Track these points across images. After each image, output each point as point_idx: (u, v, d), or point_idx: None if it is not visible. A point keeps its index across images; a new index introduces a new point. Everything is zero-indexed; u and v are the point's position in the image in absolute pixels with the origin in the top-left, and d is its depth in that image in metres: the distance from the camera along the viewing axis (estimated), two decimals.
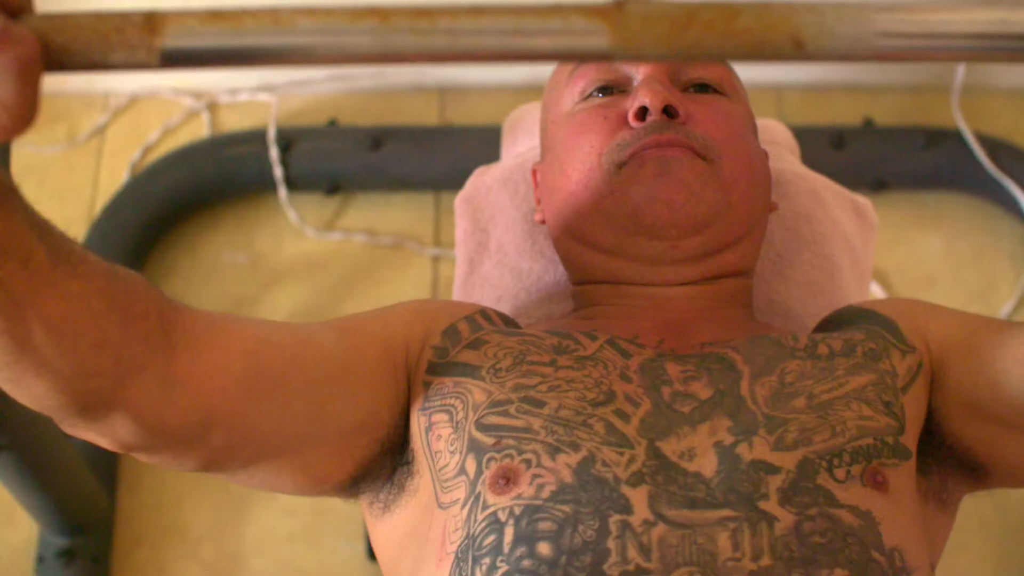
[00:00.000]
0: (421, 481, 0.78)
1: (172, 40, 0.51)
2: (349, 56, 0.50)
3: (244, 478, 0.75)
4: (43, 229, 0.57)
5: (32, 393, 0.61)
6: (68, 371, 0.60)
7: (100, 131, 1.84)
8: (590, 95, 0.89)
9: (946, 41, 0.52)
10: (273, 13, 0.51)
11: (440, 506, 0.75)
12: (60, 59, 0.51)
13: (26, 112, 0.50)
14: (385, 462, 0.79)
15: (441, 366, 0.79)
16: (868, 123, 1.81)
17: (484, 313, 0.85)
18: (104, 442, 0.67)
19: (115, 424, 0.65)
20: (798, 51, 0.51)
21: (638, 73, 0.88)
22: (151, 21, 0.51)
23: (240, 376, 0.69)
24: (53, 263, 0.57)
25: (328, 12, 0.51)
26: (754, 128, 0.93)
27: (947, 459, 0.80)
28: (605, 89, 0.89)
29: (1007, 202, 1.74)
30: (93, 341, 0.60)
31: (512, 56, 0.51)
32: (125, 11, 0.51)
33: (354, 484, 0.79)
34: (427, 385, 0.79)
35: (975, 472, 0.80)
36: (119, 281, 0.62)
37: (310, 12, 0.51)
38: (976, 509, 1.57)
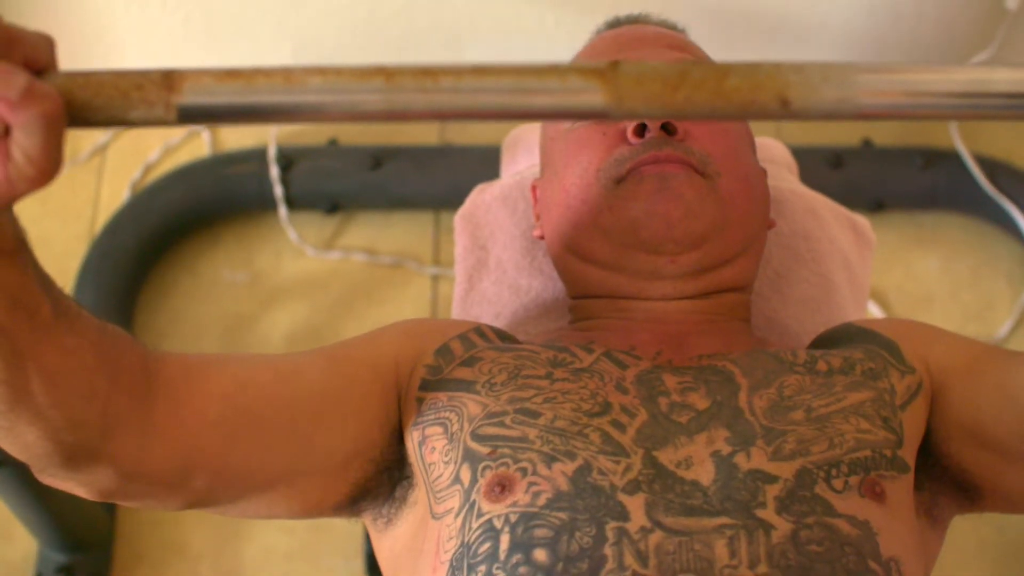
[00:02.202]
0: (419, 494, 0.78)
1: (189, 97, 0.52)
2: (357, 114, 0.52)
3: (236, 512, 0.77)
4: (47, 284, 0.60)
5: (23, 441, 0.63)
6: (58, 421, 0.62)
7: (101, 150, 1.85)
8: None
9: (928, 100, 0.53)
10: (285, 72, 0.52)
11: (434, 516, 0.76)
12: (82, 115, 0.52)
13: (50, 165, 0.52)
14: (383, 480, 0.79)
15: (435, 383, 0.80)
16: (867, 143, 1.79)
17: (479, 331, 0.85)
18: (82, 491, 0.69)
19: (96, 473, 0.67)
20: (785, 110, 0.52)
21: None
22: (169, 79, 0.52)
23: (217, 419, 0.71)
24: (55, 317, 0.60)
25: (337, 72, 0.52)
26: (753, 146, 0.93)
27: (942, 478, 0.80)
28: None
29: (1005, 223, 1.73)
30: (84, 393, 0.63)
31: (512, 114, 0.52)
32: (144, 70, 0.53)
33: (353, 504, 0.80)
34: (420, 401, 0.79)
35: (968, 494, 0.80)
36: (108, 336, 0.65)
37: (320, 71, 0.52)
38: (974, 530, 1.57)
